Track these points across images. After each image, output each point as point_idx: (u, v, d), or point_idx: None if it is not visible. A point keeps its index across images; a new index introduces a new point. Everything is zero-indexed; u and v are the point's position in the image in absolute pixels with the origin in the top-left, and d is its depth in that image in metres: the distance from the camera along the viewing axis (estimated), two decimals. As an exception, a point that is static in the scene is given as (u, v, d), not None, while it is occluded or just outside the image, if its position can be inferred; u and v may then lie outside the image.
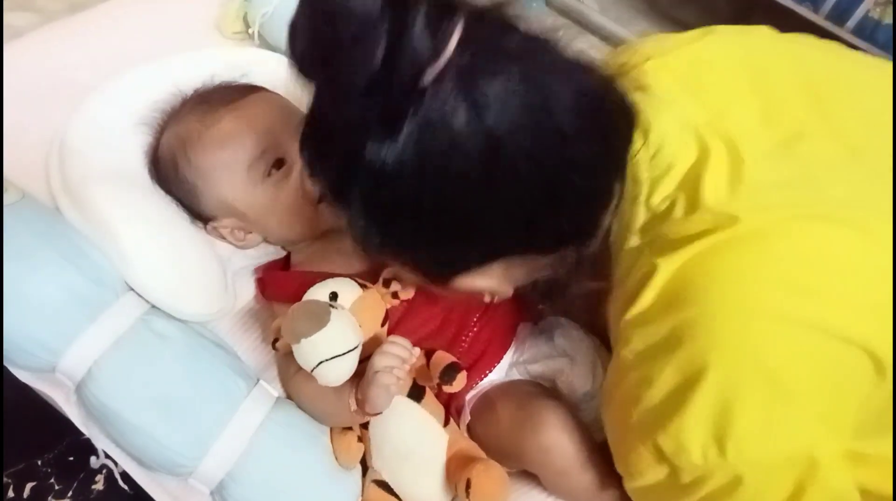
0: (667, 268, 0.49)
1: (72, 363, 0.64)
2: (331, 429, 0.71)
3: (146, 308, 0.69)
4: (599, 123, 0.49)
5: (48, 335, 0.64)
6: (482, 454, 0.70)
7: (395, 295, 0.71)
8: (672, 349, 0.49)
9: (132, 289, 0.69)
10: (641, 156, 0.52)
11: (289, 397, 0.74)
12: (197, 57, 0.88)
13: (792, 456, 0.47)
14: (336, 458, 0.70)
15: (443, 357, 0.69)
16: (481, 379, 0.74)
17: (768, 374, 0.47)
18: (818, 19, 1.44)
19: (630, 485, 0.56)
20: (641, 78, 0.53)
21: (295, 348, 0.62)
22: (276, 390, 0.74)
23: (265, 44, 0.95)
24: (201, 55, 0.89)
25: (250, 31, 0.94)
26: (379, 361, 0.62)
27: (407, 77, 0.42)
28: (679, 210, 0.51)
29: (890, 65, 0.59)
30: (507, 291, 0.58)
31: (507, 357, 0.76)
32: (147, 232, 0.71)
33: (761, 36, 0.61)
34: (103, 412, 0.64)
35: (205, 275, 0.75)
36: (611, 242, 0.56)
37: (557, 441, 0.66)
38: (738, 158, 0.50)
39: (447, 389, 0.67)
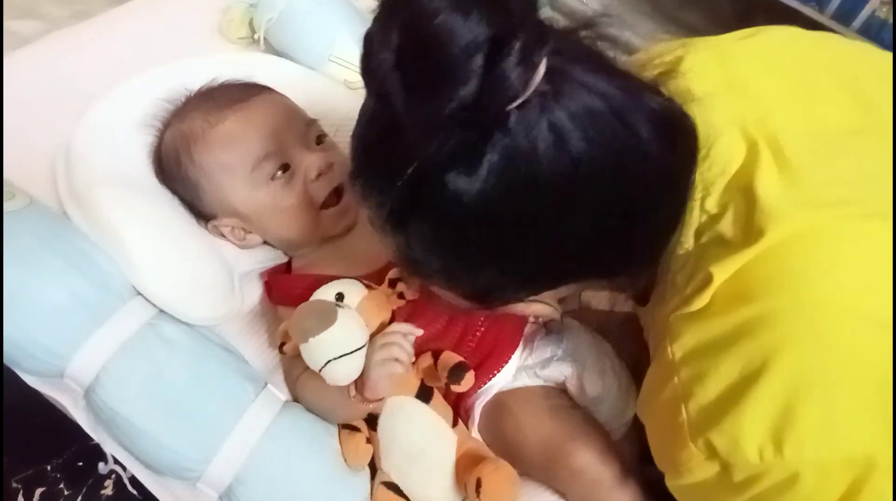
0: (726, 270, 0.49)
1: (80, 368, 0.64)
2: (339, 432, 0.71)
3: (153, 313, 0.69)
4: (674, 143, 0.48)
5: (55, 340, 0.64)
6: (491, 453, 0.70)
7: (400, 296, 0.71)
8: (733, 345, 0.48)
9: (139, 294, 0.69)
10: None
11: (295, 399, 0.74)
12: (203, 61, 0.89)
13: (852, 457, 0.46)
14: (345, 460, 0.70)
15: (450, 357, 0.69)
16: (489, 380, 0.74)
17: (836, 371, 0.46)
18: (824, 19, 1.44)
19: (675, 483, 0.55)
20: (685, 80, 0.52)
21: (303, 347, 0.62)
22: (283, 393, 0.74)
23: (270, 49, 0.95)
24: (207, 60, 0.89)
25: (256, 36, 0.94)
26: (380, 342, 0.63)
27: (496, 108, 0.42)
28: (734, 212, 0.50)
29: None
30: (557, 312, 0.58)
31: (515, 359, 0.75)
32: (153, 236, 0.71)
33: (796, 34, 0.60)
34: (111, 417, 0.65)
35: (211, 279, 0.75)
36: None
37: (590, 464, 0.66)
38: (786, 158, 0.50)
39: (455, 389, 0.67)
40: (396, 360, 0.63)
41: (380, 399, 0.66)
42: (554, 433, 0.68)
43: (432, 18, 0.39)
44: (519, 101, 0.42)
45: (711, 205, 0.51)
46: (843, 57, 0.59)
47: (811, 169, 0.50)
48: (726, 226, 0.50)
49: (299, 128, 0.76)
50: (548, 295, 0.54)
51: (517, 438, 0.70)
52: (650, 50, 0.60)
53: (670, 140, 0.48)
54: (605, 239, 0.48)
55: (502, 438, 0.71)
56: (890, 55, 0.61)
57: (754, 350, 0.47)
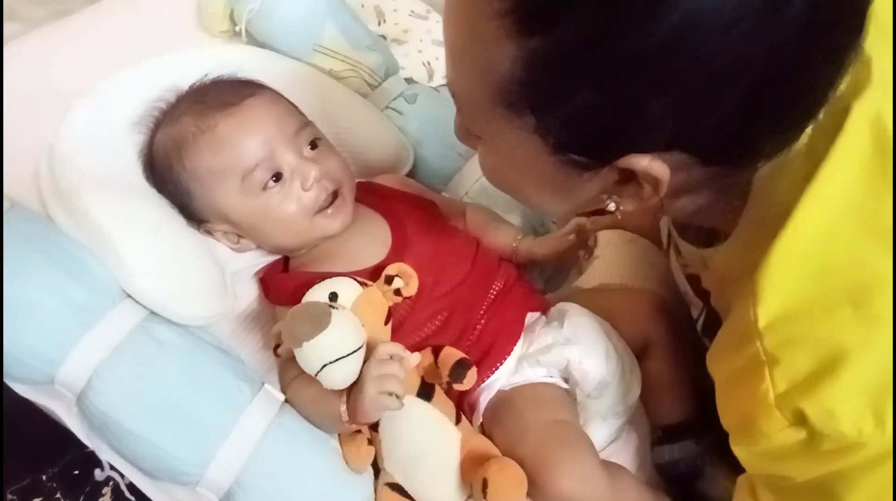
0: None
1: (70, 373, 0.63)
2: (339, 433, 0.70)
3: (145, 314, 0.67)
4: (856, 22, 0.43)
5: (44, 345, 0.62)
6: (496, 451, 0.68)
7: (397, 292, 0.70)
8: (833, 310, 0.46)
9: (129, 295, 0.67)
10: None
11: (288, 402, 0.71)
12: (187, 55, 0.87)
13: None
14: (346, 462, 0.68)
15: (451, 354, 0.67)
16: (492, 373, 0.72)
17: None
18: None
19: (750, 448, 0.52)
20: None
21: (297, 352, 0.60)
22: (281, 393, 0.72)
23: (253, 41, 0.93)
24: (191, 53, 0.87)
25: (237, 28, 0.92)
26: (375, 372, 0.60)
27: None
28: (850, 128, 0.46)
29: None
30: (664, 186, 0.47)
31: (517, 349, 0.74)
32: (143, 236, 0.70)
33: None
34: (105, 423, 0.63)
35: (203, 278, 0.73)
36: (757, 177, 0.51)
37: (575, 492, 0.64)
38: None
39: (458, 387, 0.66)
40: (392, 394, 0.60)
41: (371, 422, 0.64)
42: (540, 450, 0.66)
43: None
44: None
45: (825, 117, 0.46)
46: None
47: None
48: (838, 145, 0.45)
49: (292, 132, 0.74)
50: (662, 169, 0.46)
51: (506, 448, 0.68)
52: None
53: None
54: (766, 88, 0.41)
55: (505, 436, 0.70)
56: None
57: (856, 317, 0.45)
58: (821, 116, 0.46)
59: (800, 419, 0.47)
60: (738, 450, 0.53)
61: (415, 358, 0.65)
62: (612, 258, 0.87)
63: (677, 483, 0.73)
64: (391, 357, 0.62)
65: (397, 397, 0.60)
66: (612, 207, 0.51)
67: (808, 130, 0.47)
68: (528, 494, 0.64)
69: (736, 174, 0.50)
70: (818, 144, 0.47)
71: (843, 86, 0.45)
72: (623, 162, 0.45)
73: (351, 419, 0.62)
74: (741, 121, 0.43)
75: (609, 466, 0.69)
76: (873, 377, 0.44)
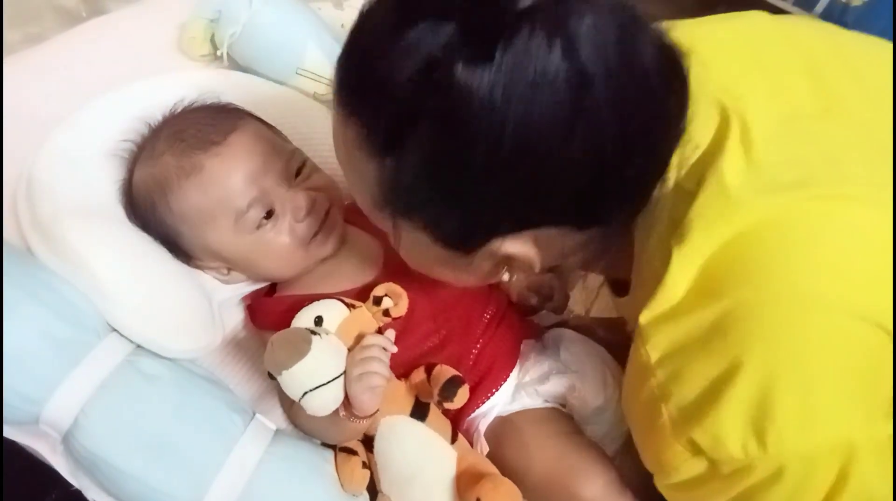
0: (689, 258, 0.49)
1: (56, 412, 0.61)
2: (335, 456, 0.69)
3: (131, 348, 0.66)
4: (675, 79, 0.48)
5: (28, 385, 0.60)
6: (492, 468, 0.68)
7: (386, 313, 0.69)
8: (706, 343, 0.48)
9: (115, 329, 0.66)
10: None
11: (292, 422, 0.71)
12: (167, 80, 0.86)
13: (834, 445, 0.46)
14: (342, 485, 0.67)
15: (443, 372, 0.67)
16: (488, 399, 0.72)
17: (810, 360, 0.46)
18: (786, 5, 1.45)
19: (664, 482, 0.54)
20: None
21: (278, 379, 0.60)
22: (273, 422, 0.71)
23: (235, 64, 0.93)
24: (170, 79, 0.86)
25: (219, 52, 0.91)
26: (357, 357, 0.62)
27: (509, 4, 0.42)
28: (699, 193, 0.49)
29: (886, 44, 0.59)
30: (535, 264, 0.54)
31: (513, 377, 0.73)
32: (126, 268, 0.68)
33: (759, 19, 0.60)
34: (93, 462, 0.61)
35: (189, 309, 0.72)
36: (636, 228, 0.55)
37: (598, 497, 0.65)
38: (751, 139, 0.50)
39: (448, 406, 0.66)
40: (375, 373, 0.62)
41: (370, 416, 0.64)
42: (560, 462, 0.67)
43: None
44: (530, 2, 0.42)
45: (682, 180, 0.51)
46: (805, 39, 0.59)
47: (772, 151, 0.49)
48: (693, 208, 0.50)
49: (280, 164, 0.73)
50: (529, 243, 0.52)
51: (521, 465, 0.68)
52: None
53: (672, 73, 0.48)
54: (596, 165, 0.46)
55: (506, 463, 0.69)
56: (860, 36, 0.61)
57: (727, 346, 0.47)
58: (680, 174, 0.51)
59: (696, 449, 0.49)
60: (660, 487, 0.55)
61: (393, 348, 0.66)
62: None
63: None
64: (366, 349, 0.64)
65: (378, 374, 0.62)
66: (506, 278, 0.58)
67: (671, 191, 0.51)
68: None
69: (611, 233, 0.53)
70: (678, 207, 0.51)
71: (706, 139, 0.51)
72: (489, 248, 0.52)
73: (347, 412, 0.63)
74: (591, 192, 0.48)
75: None
76: (751, 399, 0.46)
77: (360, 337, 0.67)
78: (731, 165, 0.49)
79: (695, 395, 0.48)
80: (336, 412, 0.63)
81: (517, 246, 0.51)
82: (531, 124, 0.44)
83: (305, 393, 0.60)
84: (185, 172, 0.71)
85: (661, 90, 0.47)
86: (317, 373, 0.60)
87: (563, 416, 0.72)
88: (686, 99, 0.49)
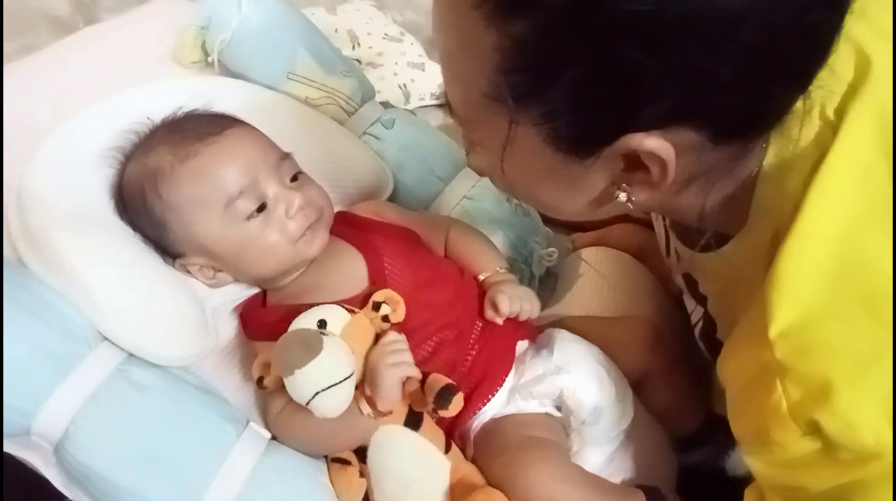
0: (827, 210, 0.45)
1: (47, 424, 0.61)
2: (329, 467, 0.68)
3: (123, 358, 0.65)
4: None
5: (18, 396, 0.60)
6: (483, 480, 0.67)
7: (385, 319, 0.69)
8: (851, 318, 0.45)
9: (106, 338, 0.65)
10: None
11: (275, 437, 0.70)
12: (158, 88, 0.85)
13: None
14: (337, 496, 0.67)
15: (437, 380, 0.66)
16: (484, 405, 0.71)
17: None
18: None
19: (762, 456, 0.51)
20: None
21: (288, 380, 0.60)
22: (267, 431, 0.70)
23: (226, 70, 0.92)
24: (162, 86, 0.86)
25: (210, 59, 0.91)
26: (385, 349, 0.62)
27: None
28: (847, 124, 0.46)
29: None
30: (669, 169, 0.46)
31: (508, 380, 0.73)
32: (118, 277, 0.68)
33: None
34: (85, 474, 0.61)
35: (182, 316, 0.71)
36: (767, 165, 0.50)
37: (552, 490, 0.63)
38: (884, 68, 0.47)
39: (443, 414, 0.65)
40: (407, 363, 0.62)
41: (391, 413, 0.64)
42: (508, 469, 0.65)
43: None
44: None
45: (830, 113, 0.47)
46: None
47: None
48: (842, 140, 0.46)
49: (275, 162, 0.73)
50: (664, 146, 0.45)
51: (492, 458, 0.68)
52: None
53: None
54: (753, 68, 0.41)
55: (485, 460, 0.69)
56: None
57: (871, 324, 0.44)
58: (829, 112, 0.46)
59: (814, 429, 0.46)
60: (751, 460, 0.52)
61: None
62: (597, 280, 0.87)
63: (706, 481, 0.73)
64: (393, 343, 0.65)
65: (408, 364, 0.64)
66: (622, 197, 0.50)
67: (817, 122, 0.46)
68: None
69: (745, 158, 0.49)
70: (825, 137, 0.47)
71: (849, 75, 0.46)
72: (622, 144, 0.45)
73: (373, 407, 0.63)
74: (743, 78, 0.42)
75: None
76: (889, 384, 0.43)
77: (364, 343, 0.66)
78: (877, 97, 0.46)
79: (823, 373, 0.45)
80: (346, 413, 0.62)
81: (653, 142, 0.44)
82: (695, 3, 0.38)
83: (317, 394, 0.59)
84: (180, 158, 0.71)
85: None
86: (331, 372, 0.59)
87: (545, 421, 0.71)
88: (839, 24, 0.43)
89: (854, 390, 0.44)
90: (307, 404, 0.60)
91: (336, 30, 1.28)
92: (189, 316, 0.72)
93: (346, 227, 0.80)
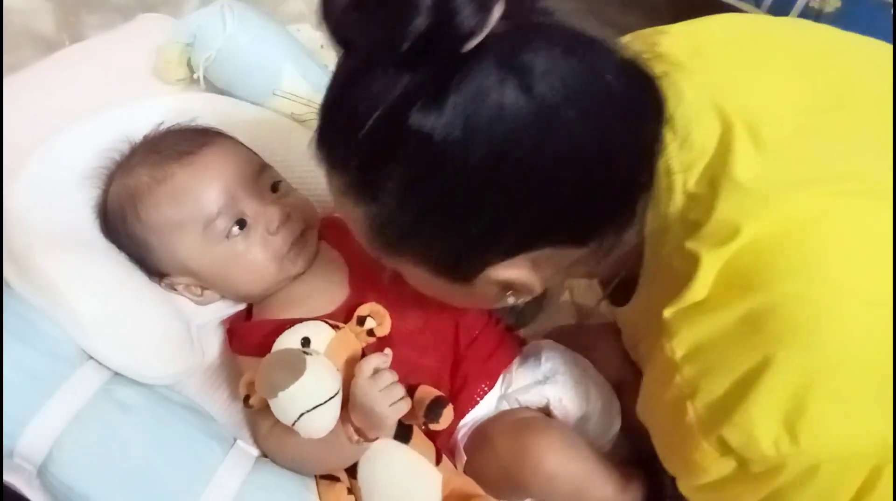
0: (717, 256, 0.48)
1: (30, 445, 0.60)
2: (317, 485, 0.68)
3: (107, 377, 0.65)
4: (644, 93, 0.48)
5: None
6: (479, 490, 0.67)
7: (370, 333, 0.69)
8: (738, 337, 0.47)
9: (91, 358, 0.65)
10: (671, 145, 0.50)
11: (265, 455, 0.69)
12: (143, 106, 0.85)
13: (869, 442, 0.45)
14: (326, 514, 0.66)
15: (427, 392, 0.66)
16: (471, 409, 0.71)
17: (850, 358, 0.45)
18: (759, 12, 1.47)
19: (691, 484, 0.53)
20: (661, 62, 0.51)
21: (272, 402, 0.59)
22: (255, 448, 0.70)
23: (211, 87, 0.92)
24: (147, 103, 0.86)
25: (195, 76, 0.91)
26: (374, 388, 0.61)
27: (452, 43, 0.42)
28: (717, 196, 0.49)
29: (881, 43, 0.59)
30: (536, 286, 0.54)
31: (496, 389, 0.73)
32: (102, 295, 0.68)
33: (757, 19, 0.61)
34: (69, 496, 0.60)
35: (167, 334, 0.71)
36: (646, 234, 0.54)
37: (561, 465, 0.64)
38: (761, 136, 0.49)
39: (434, 427, 0.64)
40: (401, 398, 0.62)
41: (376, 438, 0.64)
42: (516, 444, 0.67)
43: None
44: (477, 39, 0.42)
45: (692, 186, 0.51)
46: (804, 37, 0.59)
47: (789, 148, 0.49)
48: (709, 210, 0.49)
49: (253, 177, 0.73)
50: (526, 267, 0.52)
51: (490, 460, 0.68)
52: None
53: (640, 87, 0.47)
54: (575, 188, 0.47)
55: (481, 466, 0.69)
56: (854, 36, 0.61)
57: (762, 340, 0.46)
58: (688, 179, 0.50)
59: (725, 448, 0.48)
60: (685, 489, 0.54)
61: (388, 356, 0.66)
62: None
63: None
64: (376, 370, 0.63)
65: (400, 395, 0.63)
66: (511, 301, 0.57)
67: (680, 196, 0.51)
68: (521, 494, 0.65)
69: (612, 241, 0.52)
70: (694, 210, 0.51)
71: (711, 146, 0.50)
72: (486, 276, 0.52)
73: (361, 435, 0.63)
74: (570, 204, 0.47)
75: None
76: (785, 394, 0.45)
77: (349, 359, 0.66)
78: (744, 164, 0.49)
79: (724, 390, 0.47)
80: (331, 434, 0.62)
81: (512, 272, 0.51)
82: (497, 156, 0.44)
83: (302, 415, 0.58)
84: (157, 180, 0.71)
85: (629, 99, 0.47)
86: (315, 392, 0.59)
87: (523, 408, 0.72)
88: (661, 102, 0.48)
89: (749, 402, 0.46)
90: (293, 425, 0.60)
91: (322, 45, 1.27)
92: (173, 334, 0.72)
93: (329, 230, 0.79)
